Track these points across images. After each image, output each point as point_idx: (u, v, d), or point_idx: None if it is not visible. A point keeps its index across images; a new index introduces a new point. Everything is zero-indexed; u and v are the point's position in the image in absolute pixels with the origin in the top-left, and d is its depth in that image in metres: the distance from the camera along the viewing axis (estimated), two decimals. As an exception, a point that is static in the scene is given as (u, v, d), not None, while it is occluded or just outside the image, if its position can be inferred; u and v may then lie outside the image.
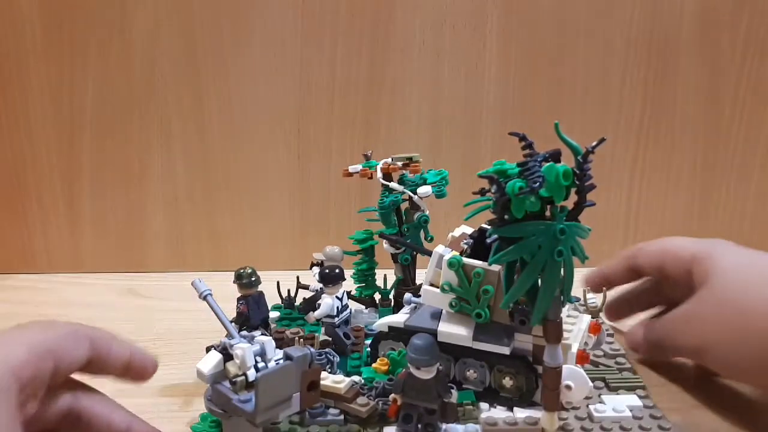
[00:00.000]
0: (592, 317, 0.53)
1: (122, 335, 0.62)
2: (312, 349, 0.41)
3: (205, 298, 0.43)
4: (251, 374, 0.38)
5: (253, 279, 0.53)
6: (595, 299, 0.55)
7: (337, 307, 0.55)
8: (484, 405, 0.46)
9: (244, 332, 0.42)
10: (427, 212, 0.58)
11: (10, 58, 0.75)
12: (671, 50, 0.80)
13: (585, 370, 0.46)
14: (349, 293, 0.58)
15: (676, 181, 0.84)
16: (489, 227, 0.45)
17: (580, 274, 0.57)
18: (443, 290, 0.45)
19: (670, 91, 0.81)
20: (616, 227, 0.85)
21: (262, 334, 0.45)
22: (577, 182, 0.37)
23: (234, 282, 0.53)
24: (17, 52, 0.75)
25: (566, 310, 0.49)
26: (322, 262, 0.60)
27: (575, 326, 0.47)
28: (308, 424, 0.44)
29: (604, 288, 0.55)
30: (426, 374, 0.40)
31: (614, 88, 0.81)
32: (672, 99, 0.81)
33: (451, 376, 0.48)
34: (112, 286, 0.77)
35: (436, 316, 0.47)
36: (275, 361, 0.39)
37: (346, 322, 0.56)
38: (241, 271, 0.53)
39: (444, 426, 0.43)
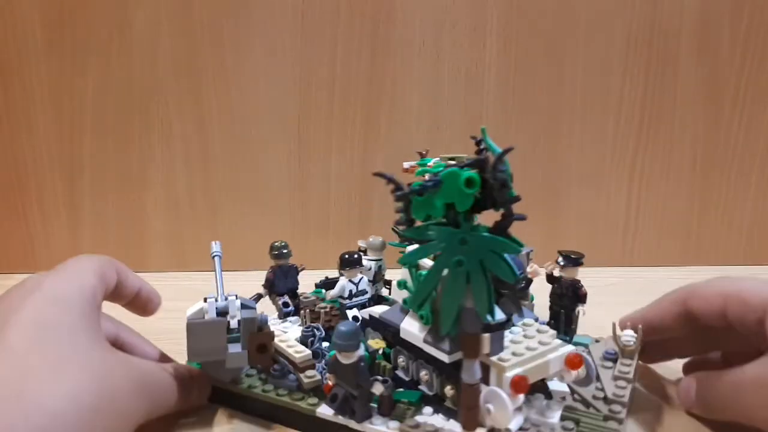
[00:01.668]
0: (624, 356, 0.49)
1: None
2: (264, 315, 0.47)
3: (213, 258, 0.51)
4: None
5: (284, 251, 0.59)
6: (631, 338, 0.50)
7: (351, 291, 0.57)
8: (427, 409, 0.45)
9: (232, 294, 0.47)
10: None
11: (12, 59, 0.75)
12: (671, 50, 0.80)
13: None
14: (389, 282, 0.61)
15: (676, 180, 0.84)
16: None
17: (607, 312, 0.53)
18: (398, 286, 0.46)
19: (670, 91, 0.81)
20: (616, 227, 0.85)
21: (283, 303, 0.57)
22: (494, 192, 0.35)
23: (268, 253, 0.59)
24: (18, 53, 0.75)
25: (536, 332, 0.45)
26: (365, 250, 0.62)
27: (538, 351, 0.43)
28: (269, 383, 0.48)
29: (640, 325, 0.50)
30: (346, 359, 0.43)
31: (614, 88, 0.81)
32: (672, 99, 0.81)
33: (410, 374, 0.47)
34: (112, 286, 0.77)
35: (407, 311, 0.47)
36: (237, 320, 0.46)
37: (363, 306, 0.58)
38: (275, 243, 0.59)
39: (374, 415, 0.44)
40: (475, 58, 0.79)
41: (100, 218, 0.81)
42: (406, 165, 0.59)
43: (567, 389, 0.46)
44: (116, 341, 0.47)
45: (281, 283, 0.59)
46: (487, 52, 0.79)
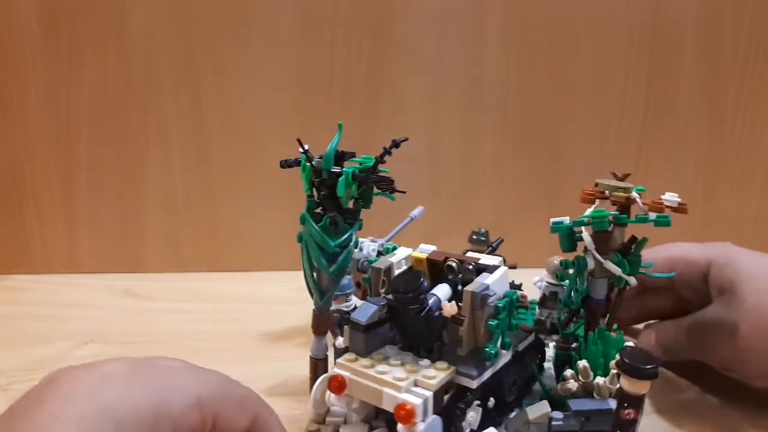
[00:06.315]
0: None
1: (119, 336, 0.63)
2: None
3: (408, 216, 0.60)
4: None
5: (482, 238, 0.60)
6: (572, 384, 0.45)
7: None
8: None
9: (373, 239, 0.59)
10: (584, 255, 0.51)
11: (8, 58, 0.74)
12: (674, 50, 0.79)
13: None
14: None
15: (679, 181, 0.84)
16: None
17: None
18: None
19: (673, 91, 0.81)
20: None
21: None
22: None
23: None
24: (15, 52, 0.74)
25: (433, 369, 0.40)
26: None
27: (382, 378, 0.39)
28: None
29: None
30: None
31: (617, 88, 0.80)
32: (674, 99, 0.81)
33: None
34: (109, 287, 0.76)
35: None
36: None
37: None
38: (476, 229, 0.61)
39: None
40: (476, 58, 0.79)
41: (97, 219, 0.80)
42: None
43: None
44: None
45: None
46: (488, 51, 0.78)
